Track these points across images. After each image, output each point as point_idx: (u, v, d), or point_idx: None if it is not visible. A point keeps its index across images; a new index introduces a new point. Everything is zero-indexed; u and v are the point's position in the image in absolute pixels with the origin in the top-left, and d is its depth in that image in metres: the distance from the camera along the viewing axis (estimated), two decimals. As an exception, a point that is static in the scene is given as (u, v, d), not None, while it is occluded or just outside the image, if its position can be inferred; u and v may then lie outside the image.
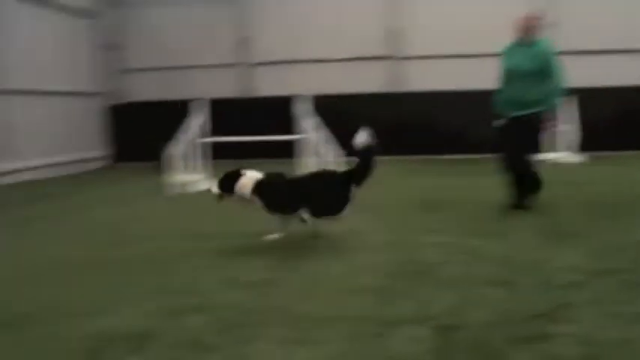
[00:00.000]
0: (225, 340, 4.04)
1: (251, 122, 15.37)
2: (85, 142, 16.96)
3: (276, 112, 15.33)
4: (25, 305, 4.94)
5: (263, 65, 17.58)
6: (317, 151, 10.66)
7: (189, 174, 11.25)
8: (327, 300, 4.77)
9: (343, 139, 10.63)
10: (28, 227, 8.48)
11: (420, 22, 16.63)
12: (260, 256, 6.21)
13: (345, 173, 6.70)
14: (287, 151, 12.75)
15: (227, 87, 17.47)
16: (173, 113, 13.54)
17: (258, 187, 6.58)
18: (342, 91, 16.53)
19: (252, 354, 3.82)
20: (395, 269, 5.56)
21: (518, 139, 7.89)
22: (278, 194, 6.62)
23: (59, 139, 15.71)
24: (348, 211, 6.49)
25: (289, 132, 11.99)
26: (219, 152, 12.09)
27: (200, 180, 11.14)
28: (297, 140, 11.11)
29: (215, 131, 11.73)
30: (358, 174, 6.54)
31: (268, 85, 17.44)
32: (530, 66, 7.76)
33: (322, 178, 6.75)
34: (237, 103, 17.16)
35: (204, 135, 11.48)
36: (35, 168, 14.71)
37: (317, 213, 6.55)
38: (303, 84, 15.53)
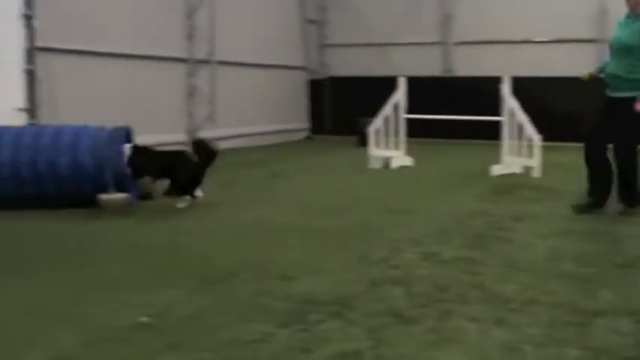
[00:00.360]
0: (423, 313, 4.14)
1: (449, 102, 15.27)
2: (287, 114, 17.56)
3: (474, 93, 15.16)
4: (230, 264, 5.29)
5: (463, 45, 17.38)
6: (518, 133, 10.45)
7: (389, 150, 11.41)
8: (526, 283, 4.75)
9: (541, 124, 10.44)
10: (232, 191, 9.00)
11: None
12: (459, 235, 6.30)
13: None
14: (486, 132, 12.58)
15: (427, 66, 17.42)
16: (372, 90, 13.73)
17: None
18: (545, 74, 16.00)
19: (449, 329, 3.89)
20: (597, 259, 5.44)
21: (614, 126, 6.98)
22: None
23: (264, 110, 16.39)
24: None
25: (487, 113, 11.82)
26: (416, 130, 12.15)
27: (400, 156, 11.29)
28: (499, 122, 10.94)
29: (412, 109, 11.79)
30: None
31: (467, 65, 17.22)
32: (628, 41, 6.92)
33: None
34: (436, 82, 17.09)
35: (403, 112, 11.59)
36: (239, 136, 15.46)
37: None
38: (503, 65, 15.19)
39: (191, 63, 14.27)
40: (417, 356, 3.49)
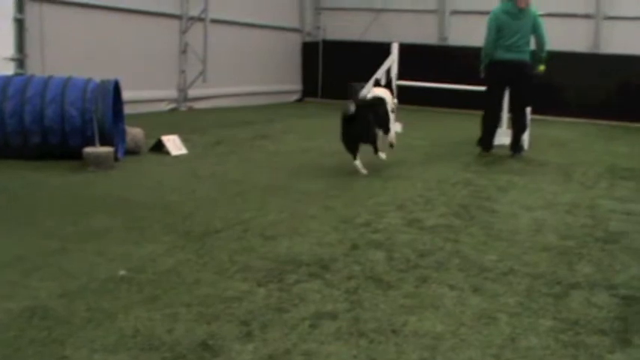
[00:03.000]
0: (401, 278, 4.16)
1: (443, 71, 15.20)
2: (280, 76, 17.48)
3: (468, 63, 15.08)
4: (212, 222, 5.29)
5: (459, 14, 17.27)
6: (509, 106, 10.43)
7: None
8: (506, 254, 4.77)
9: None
10: (218, 150, 8.98)
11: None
12: (444, 203, 6.31)
13: None
14: (478, 102, 12.54)
15: (422, 34, 17.31)
16: (366, 55, 13.66)
17: None
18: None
19: (425, 295, 3.90)
20: (579, 232, 5.45)
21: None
22: None
23: (256, 71, 16.29)
24: None
25: (480, 84, 11.76)
26: (409, 98, 12.11)
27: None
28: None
29: (406, 76, 11.73)
30: None
31: (463, 34, 17.12)
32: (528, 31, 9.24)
33: None
34: (431, 50, 17.00)
35: (395, 78, 11.53)
36: (230, 95, 15.39)
37: None
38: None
39: (184, 19, 14.15)
40: (392, 320, 3.50)
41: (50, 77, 7.91)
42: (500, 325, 3.51)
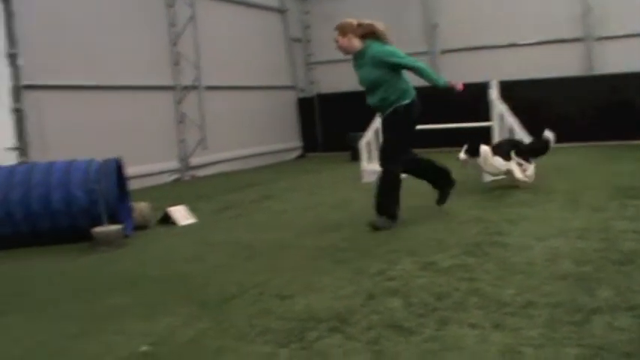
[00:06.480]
0: (422, 323, 4.14)
1: (438, 110, 15.26)
2: (279, 134, 17.60)
3: (463, 100, 15.19)
4: (227, 287, 5.30)
5: (450, 52, 17.44)
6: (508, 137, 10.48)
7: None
8: (523, 286, 4.75)
9: (534, 127, 10.45)
10: (225, 214, 9.02)
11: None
12: (455, 242, 6.30)
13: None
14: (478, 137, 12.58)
15: (414, 76, 17.41)
16: (361, 104, 13.71)
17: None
18: (533, 77, 16.05)
19: (448, 337, 3.88)
20: (593, 257, 5.44)
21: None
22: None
23: (255, 132, 16.43)
24: None
25: (477, 119, 11.83)
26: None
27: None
28: (489, 127, 10.96)
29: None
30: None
31: (454, 72, 17.22)
32: (370, 77, 7.54)
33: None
34: (425, 91, 17.09)
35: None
36: (232, 160, 15.49)
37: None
38: (490, 70, 15.24)
39: (179, 90, 14.32)
40: (418, 366, 3.49)
41: (53, 162, 8.00)
42: (525, 359, 3.49)
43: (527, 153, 9.53)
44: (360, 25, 7.39)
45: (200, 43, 14.48)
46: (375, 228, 7.11)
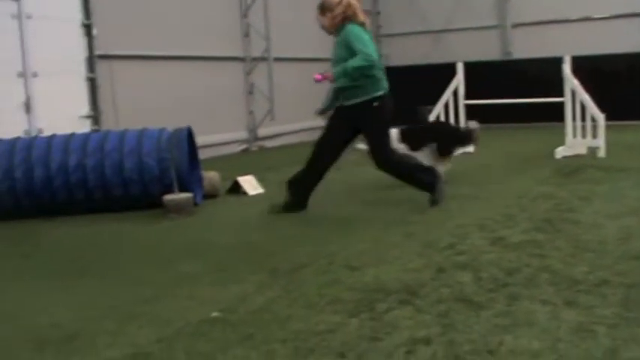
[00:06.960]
0: (492, 298, 4.11)
1: (509, 85, 15.07)
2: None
3: (534, 75, 14.98)
4: (297, 257, 5.34)
5: (521, 26, 17.13)
6: (581, 113, 10.26)
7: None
8: (596, 265, 4.68)
9: (603, 102, 10.23)
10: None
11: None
12: (526, 218, 6.25)
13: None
14: (549, 114, 12.38)
15: (485, 50, 17.22)
16: (431, 77, 13.65)
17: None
18: (601, 52, 15.63)
19: (518, 313, 3.85)
20: (669, 237, 5.32)
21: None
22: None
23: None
24: None
25: (549, 95, 11.63)
26: (476, 116, 12.03)
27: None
28: (561, 103, 10.76)
29: (472, 95, 11.68)
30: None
31: (524, 47, 16.97)
32: (341, 56, 7.38)
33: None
34: (495, 66, 16.88)
35: (462, 98, 11.49)
36: (300, 131, 15.53)
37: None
38: (561, 45, 14.92)
39: (248, 61, 14.41)
40: (487, 340, 3.47)
41: (125, 131, 8.15)
42: (598, 338, 3.44)
43: (449, 144, 8.69)
44: (339, 3, 7.18)
45: (270, 15, 14.51)
46: (436, 203, 7.04)
